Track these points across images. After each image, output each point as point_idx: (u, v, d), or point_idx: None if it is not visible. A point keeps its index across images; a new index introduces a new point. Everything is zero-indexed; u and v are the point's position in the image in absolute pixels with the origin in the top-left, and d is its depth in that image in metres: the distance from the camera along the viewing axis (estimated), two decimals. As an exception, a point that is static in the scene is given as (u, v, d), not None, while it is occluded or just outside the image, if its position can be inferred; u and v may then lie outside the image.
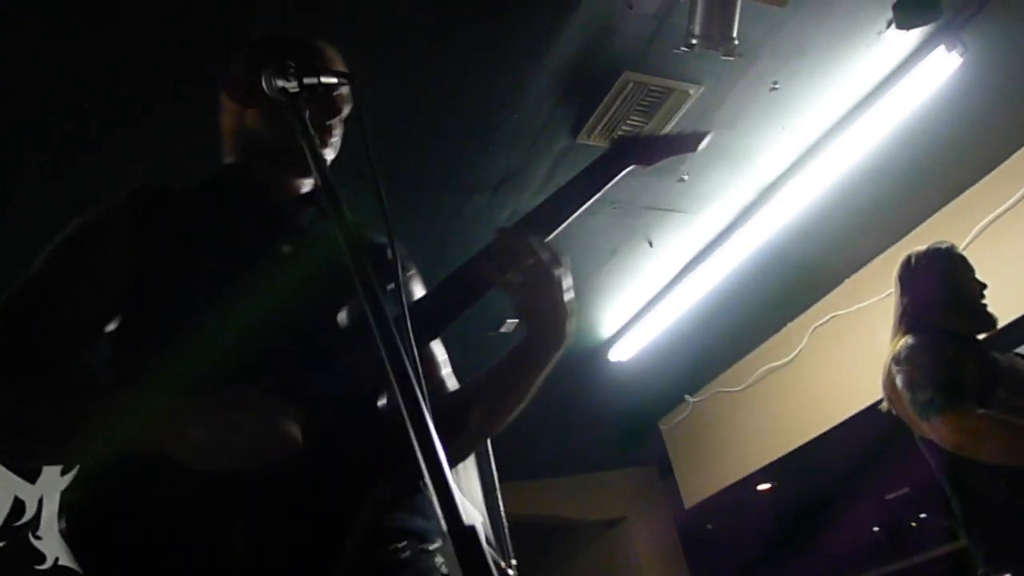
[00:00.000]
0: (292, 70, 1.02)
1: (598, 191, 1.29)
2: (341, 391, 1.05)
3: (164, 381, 1.03)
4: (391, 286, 0.98)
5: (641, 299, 4.74)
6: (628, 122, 3.15)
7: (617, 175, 1.32)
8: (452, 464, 0.90)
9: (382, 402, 1.06)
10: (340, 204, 0.90)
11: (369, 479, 1.01)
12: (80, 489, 1.02)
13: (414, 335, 0.81)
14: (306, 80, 1.03)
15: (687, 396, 6.16)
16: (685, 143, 1.44)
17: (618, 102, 3.07)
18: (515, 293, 1.16)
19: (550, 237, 1.20)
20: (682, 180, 3.69)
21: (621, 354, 5.14)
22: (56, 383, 1.05)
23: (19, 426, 1.02)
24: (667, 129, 3.22)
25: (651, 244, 4.20)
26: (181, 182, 1.29)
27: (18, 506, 3.43)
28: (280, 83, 1.02)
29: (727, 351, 5.67)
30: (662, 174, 3.58)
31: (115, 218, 1.17)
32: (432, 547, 1.11)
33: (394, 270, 0.96)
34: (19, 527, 3.40)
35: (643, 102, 3.10)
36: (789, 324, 5.38)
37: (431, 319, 1.13)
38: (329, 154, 1.28)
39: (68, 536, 0.98)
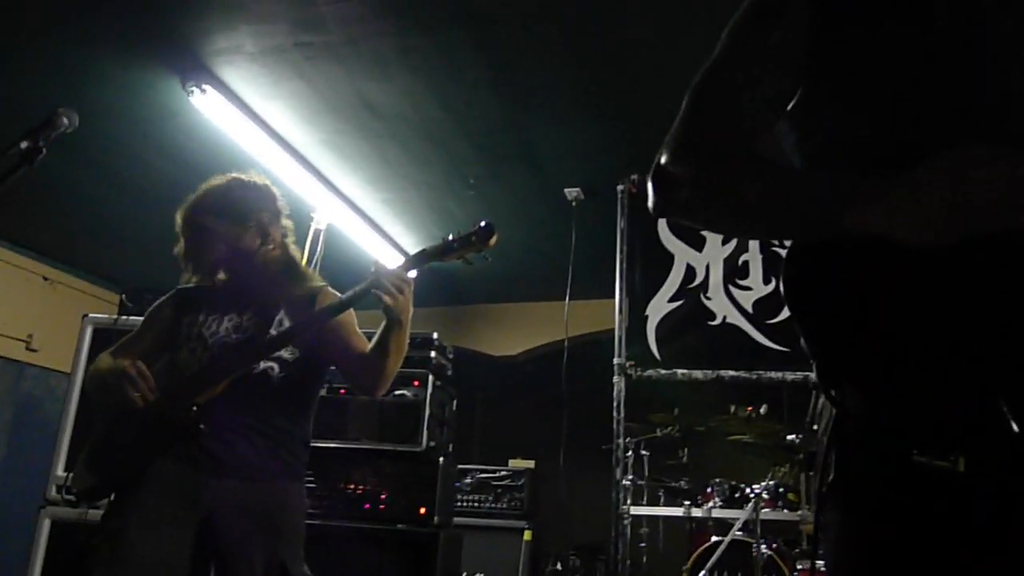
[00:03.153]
0: None
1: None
2: None
3: (866, 154, 0.98)
4: None
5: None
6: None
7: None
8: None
9: None
10: None
11: None
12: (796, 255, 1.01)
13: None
14: None
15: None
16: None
17: None
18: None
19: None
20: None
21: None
22: (755, 163, 1.04)
23: (729, 200, 1.05)
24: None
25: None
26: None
27: (689, 272, 4.29)
28: None
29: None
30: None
31: None
32: None
33: None
34: (692, 289, 4.27)
35: None
36: None
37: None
38: None
39: (789, 293, 1.01)
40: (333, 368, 2.39)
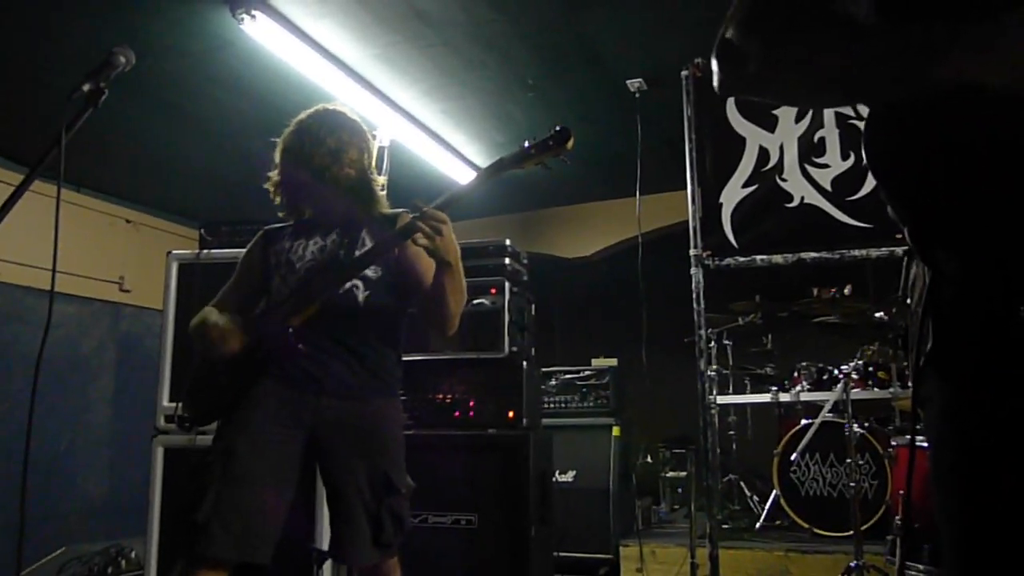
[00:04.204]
0: None
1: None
2: None
3: (947, 7, 0.91)
4: None
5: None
6: None
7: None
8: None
9: None
10: None
11: None
12: (879, 117, 0.98)
13: None
14: None
15: None
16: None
17: None
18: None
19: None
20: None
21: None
22: (828, 24, 0.97)
23: (804, 66, 1.00)
24: None
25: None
26: None
27: (763, 154, 4.19)
28: None
29: None
30: None
31: None
32: None
33: None
34: (766, 172, 4.18)
35: None
36: None
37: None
38: None
39: (874, 157, 0.98)
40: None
